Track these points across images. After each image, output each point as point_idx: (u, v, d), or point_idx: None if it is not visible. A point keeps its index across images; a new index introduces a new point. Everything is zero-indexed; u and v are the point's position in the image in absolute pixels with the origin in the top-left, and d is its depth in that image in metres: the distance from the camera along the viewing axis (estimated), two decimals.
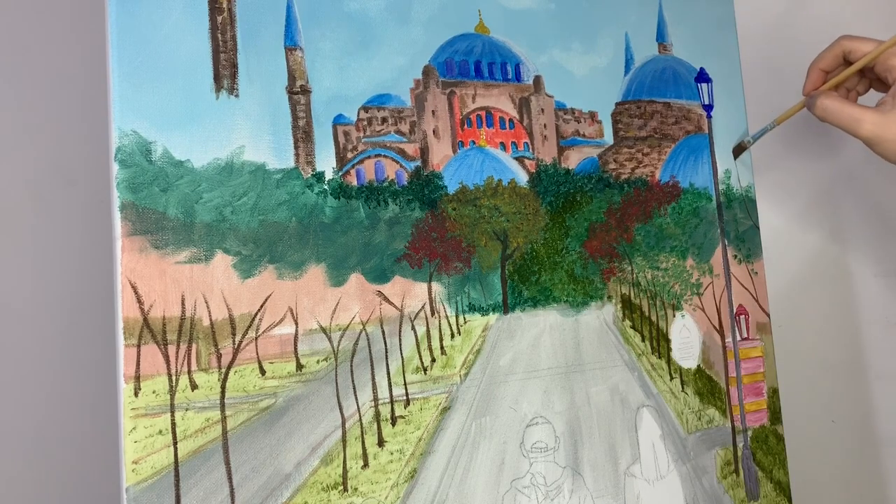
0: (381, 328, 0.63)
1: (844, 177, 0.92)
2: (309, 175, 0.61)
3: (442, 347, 0.65)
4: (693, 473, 0.74)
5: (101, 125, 0.56)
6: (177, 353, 0.55)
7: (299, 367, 0.59)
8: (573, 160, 0.74)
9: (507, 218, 0.70)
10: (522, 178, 0.71)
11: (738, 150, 0.81)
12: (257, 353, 0.58)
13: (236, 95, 0.59)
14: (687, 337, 0.77)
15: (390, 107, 0.66)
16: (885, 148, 0.64)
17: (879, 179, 0.92)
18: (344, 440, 0.60)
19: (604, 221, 0.74)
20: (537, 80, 0.73)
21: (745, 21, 0.85)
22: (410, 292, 0.64)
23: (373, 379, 0.62)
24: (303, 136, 0.62)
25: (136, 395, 0.53)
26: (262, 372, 0.58)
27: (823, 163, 0.92)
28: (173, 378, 0.54)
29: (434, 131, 0.68)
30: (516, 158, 0.72)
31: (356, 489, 0.59)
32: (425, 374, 0.64)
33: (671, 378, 0.75)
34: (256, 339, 0.58)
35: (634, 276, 0.75)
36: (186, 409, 0.54)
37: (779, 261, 0.87)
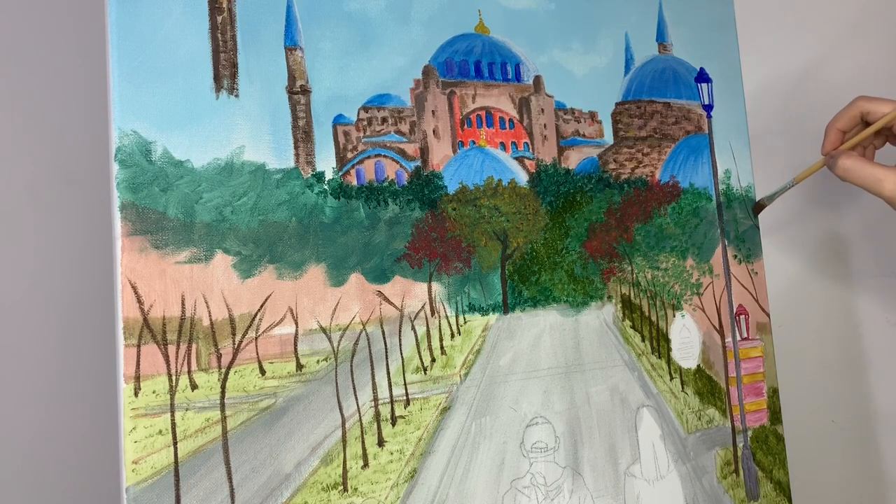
0: (381, 328, 0.63)
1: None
2: (309, 175, 0.61)
3: (442, 347, 0.65)
4: (693, 473, 0.74)
5: (101, 125, 0.56)
6: (177, 353, 0.55)
7: (299, 367, 0.59)
8: (573, 160, 0.74)
9: (507, 218, 0.70)
10: (522, 178, 0.71)
11: (758, 208, 0.82)
12: (257, 353, 0.58)
13: (236, 95, 0.59)
14: (687, 337, 0.77)
15: (390, 107, 0.66)
16: None
17: None
18: (344, 440, 0.60)
19: (604, 221, 0.74)
20: (537, 80, 0.73)
21: (745, 21, 0.85)
22: (410, 292, 0.64)
23: (373, 379, 0.62)
24: (303, 136, 0.62)
25: (136, 395, 0.53)
26: (262, 372, 0.58)
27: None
28: (173, 378, 0.54)
29: (434, 131, 0.68)
30: (516, 158, 0.72)
31: (356, 489, 0.59)
32: (425, 374, 0.64)
33: (671, 378, 0.75)
34: (256, 339, 0.58)
35: (634, 276, 0.75)
36: (186, 409, 0.54)
37: (779, 261, 0.87)
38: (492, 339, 0.68)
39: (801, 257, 0.90)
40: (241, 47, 0.60)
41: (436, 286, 0.66)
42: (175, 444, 0.54)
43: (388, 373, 0.62)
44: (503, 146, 0.71)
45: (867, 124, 0.71)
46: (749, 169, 0.83)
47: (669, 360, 0.76)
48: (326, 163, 0.62)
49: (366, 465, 0.60)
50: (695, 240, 0.79)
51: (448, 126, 0.69)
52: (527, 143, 0.72)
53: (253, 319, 0.58)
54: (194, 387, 0.55)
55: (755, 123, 0.85)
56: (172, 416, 0.54)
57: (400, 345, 0.63)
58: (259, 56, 0.60)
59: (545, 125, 0.73)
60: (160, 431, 0.53)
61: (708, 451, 0.76)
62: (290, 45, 0.62)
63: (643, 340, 0.75)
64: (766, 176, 0.87)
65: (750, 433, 0.79)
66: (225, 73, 0.59)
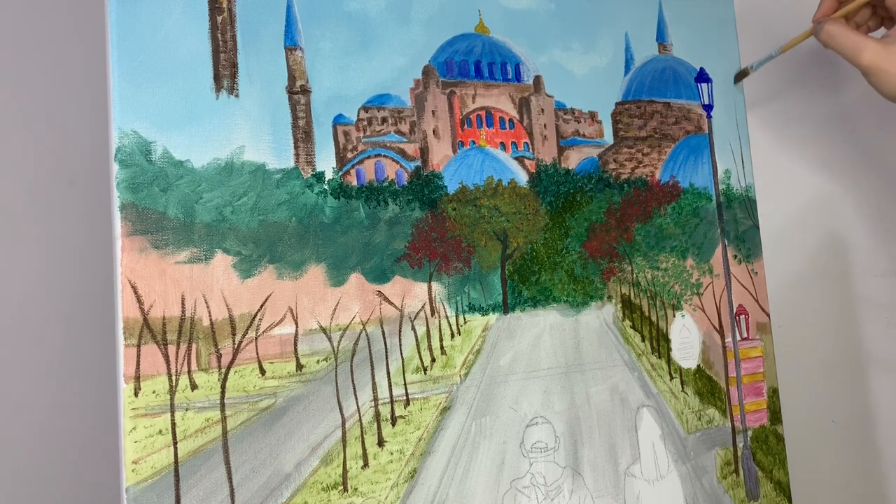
0: (381, 328, 0.63)
1: (845, 177, 0.92)
2: (309, 175, 0.61)
3: (442, 347, 0.65)
4: (693, 473, 0.74)
5: (101, 125, 0.56)
6: (177, 353, 0.55)
7: (299, 367, 0.59)
8: (573, 160, 0.74)
9: (507, 218, 0.70)
10: (522, 178, 0.71)
11: (741, 75, 0.81)
12: (257, 353, 0.58)
13: (236, 95, 0.59)
14: (687, 337, 0.77)
15: (390, 107, 0.66)
16: (880, 79, 0.64)
17: (880, 180, 0.92)
18: (344, 440, 0.60)
19: (604, 221, 0.74)
20: (537, 80, 0.73)
21: (745, 21, 0.85)
22: (410, 292, 0.64)
23: (373, 379, 0.62)
24: (303, 136, 0.62)
25: (136, 395, 0.53)
26: (262, 372, 0.58)
27: (824, 163, 0.92)
28: (173, 378, 0.54)
29: (434, 131, 0.68)
30: (516, 158, 0.72)
31: (356, 489, 0.59)
32: (425, 374, 0.64)
33: (671, 378, 0.75)
34: (256, 339, 0.58)
35: (634, 276, 0.75)
36: (186, 409, 0.54)
37: (779, 261, 0.87)
38: (492, 339, 0.68)
39: (801, 257, 0.90)
40: (241, 47, 0.60)
41: (436, 286, 0.66)
42: (175, 444, 0.54)
43: (388, 373, 0.62)
44: (503, 146, 0.71)
45: None
46: (749, 169, 0.83)
47: (669, 360, 0.76)
48: (326, 163, 0.62)
49: (366, 465, 0.60)
50: (695, 240, 0.79)
51: (448, 126, 0.69)
52: (527, 143, 0.72)
53: (253, 319, 0.58)
54: (194, 387, 0.55)
55: (756, 121, 0.85)
56: (172, 416, 0.54)
57: (400, 345, 0.63)
58: (259, 56, 0.60)
59: (545, 125, 0.73)
60: (160, 431, 0.53)
61: (708, 451, 0.76)
62: (290, 45, 0.62)
63: (643, 340, 0.75)
64: (766, 174, 0.87)
65: (750, 433, 0.79)
66: (225, 73, 0.59)
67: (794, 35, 0.76)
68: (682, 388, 0.76)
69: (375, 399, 0.62)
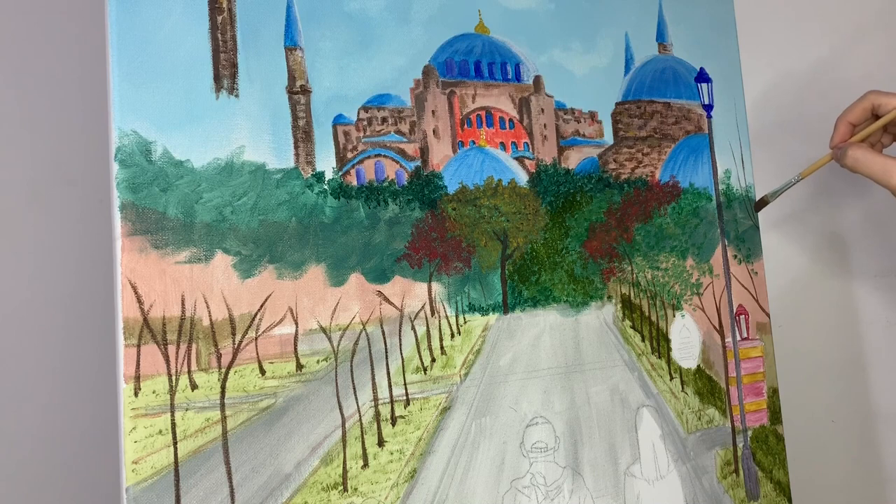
0: (381, 328, 0.63)
1: (845, 177, 0.92)
2: (309, 175, 0.61)
3: (442, 347, 0.65)
4: (693, 473, 0.74)
5: (101, 125, 0.56)
6: (177, 353, 0.55)
7: (299, 367, 0.59)
8: (573, 160, 0.74)
9: (507, 218, 0.70)
10: (522, 178, 0.71)
11: (760, 204, 0.82)
12: (257, 353, 0.58)
13: (236, 95, 0.59)
14: (687, 337, 0.77)
15: (390, 107, 0.66)
16: None
17: None
18: (344, 440, 0.60)
19: (604, 221, 0.74)
20: (537, 80, 0.73)
21: (745, 21, 0.85)
22: (410, 292, 0.64)
23: (373, 379, 0.62)
24: (303, 136, 0.62)
25: (136, 395, 0.53)
26: (262, 372, 0.58)
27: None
28: (173, 378, 0.54)
29: (434, 131, 0.68)
30: (516, 158, 0.72)
31: (356, 489, 0.59)
32: (425, 374, 0.64)
33: (671, 378, 0.75)
34: (256, 339, 0.58)
35: (634, 276, 0.75)
36: (186, 409, 0.54)
37: (779, 261, 0.87)
38: (492, 339, 0.68)
39: (801, 257, 0.90)
40: (241, 47, 0.60)
41: (436, 286, 0.66)
42: (175, 444, 0.54)
43: (388, 373, 0.62)
44: (503, 146, 0.71)
45: (878, 119, 0.71)
46: (749, 169, 0.83)
47: (669, 360, 0.76)
48: (326, 163, 0.62)
49: (366, 465, 0.60)
50: (695, 240, 0.79)
51: (448, 126, 0.69)
52: (527, 143, 0.72)
53: (253, 319, 0.58)
54: (194, 387, 0.55)
55: (756, 121, 0.85)
56: (172, 416, 0.54)
57: (400, 345, 0.63)
58: (259, 56, 0.60)
59: (545, 125, 0.73)
60: (160, 431, 0.53)
61: (708, 451, 0.76)
62: (290, 45, 0.62)
63: (643, 340, 0.75)
64: (766, 175, 0.87)
65: (750, 433, 0.79)
66: (225, 73, 0.59)
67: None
68: (682, 388, 0.76)
69: (375, 399, 0.62)
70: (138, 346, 0.53)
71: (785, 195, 0.90)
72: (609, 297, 0.74)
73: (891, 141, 0.75)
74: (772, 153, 0.89)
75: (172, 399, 0.54)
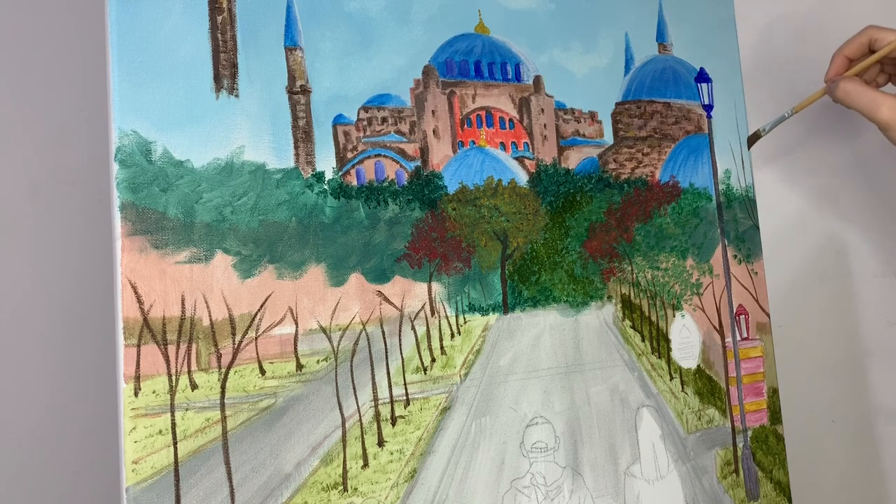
0: (381, 328, 0.63)
1: (845, 177, 0.92)
2: (309, 175, 0.61)
3: (442, 347, 0.65)
4: (693, 473, 0.74)
5: (101, 125, 0.56)
6: (177, 353, 0.55)
7: (299, 367, 0.59)
8: (573, 160, 0.74)
9: (507, 218, 0.70)
10: (522, 178, 0.71)
11: (753, 138, 0.81)
12: (257, 353, 0.58)
13: (236, 95, 0.59)
14: (687, 337, 0.77)
15: (390, 107, 0.66)
16: None
17: (880, 179, 0.92)
18: (344, 440, 0.60)
19: (604, 221, 0.74)
20: (537, 80, 0.73)
21: (745, 21, 0.85)
22: (410, 292, 0.64)
23: (373, 379, 0.62)
24: (303, 136, 0.62)
25: (136, 395, 0.53)
26: (262, 372, 0.58)
27: (824, 163, 0.92)
28: (173, 378, 0.54)
29: (434, 131, 0.68)
30: (516, 158, 0.72)
31: (356, 489, 0.59)
32: (425, 374, 0.64)
33: (671, 378, 0.75)
34: (256, 339, 0.58)
35: (634, 276, 0.75)
36: (186, 409, 0.54)
37: (779, 261, 0.87)
38: (492, 339, 0.68)
39: (801, 257, 0.90)
40: (241, 47, 0.60)
41: (436, 286, 0.66)
42: (175, 444, 0.54)
43: (388, 373, 0.62)
44: (503, 146, 0.71)
45: (875, 53, 0.70)
46: (749, 169, 0.83)
47: (669, 360, 0.76)
48: (326, 163, 0.62)
49: (366, 465, 0.60)
50: (695, 240, 0.79)
51: (448, 126, 0.69)
52: (527, 143, 0.72)
53: (253, 319, 0.58)
54: (194, 387, 0.55)
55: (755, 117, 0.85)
56: (172, 416, 0.54)
57: (400, 345, 0.63)
58: (259, 56, 0.60)
59: (545, 125, 0.73)
60: (160, 431, 0.53)
61: (708, 451, 0.76)
62: (290, 45, 0.62)
63: (643, 340, 0.75)
64: (766, 174, 0.87)
65: (750, 433, 0.79)
66: (225, 73, 0.59)
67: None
68: (682, 388, 0.76)
69: (375, 399, 0.62)
70: (138, 346, 0.53)
71: (784, 196, 0.90)
72: (609, 297, 0.74)
73: (886, 81, 0.74)
74: (772, 153, 0.89)
75: (172, 399, 0.54)
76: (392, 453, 0.61)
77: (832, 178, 0.92)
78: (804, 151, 0.91)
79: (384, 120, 0.66)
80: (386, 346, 0.63)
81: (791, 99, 0.83)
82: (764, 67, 0.88)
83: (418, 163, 0.67)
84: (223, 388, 0.56)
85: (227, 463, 0.55)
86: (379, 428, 0.61)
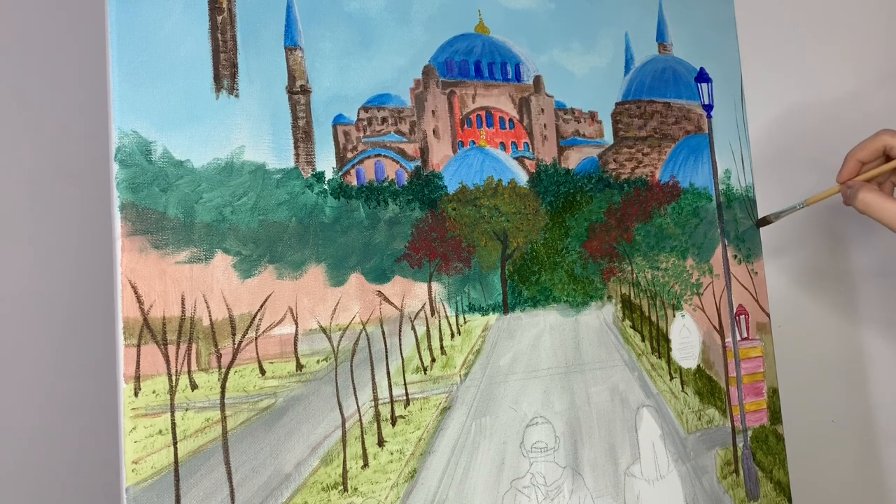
0: (381, 328, 0.63)
1: None
2: (309, 175, 0.61)
3: (442, 347, 0.65)
4: (693, 473, 0.74)
5: (101, 125, 0.56)
6: (177, 353, 0.55)
7: (299, 367, 0.59)
8: (573, 160, 0.74)
9: (507, 218, 0.70)
10: (522, 178, 0.71)
11: (762, 223, 0.82)
12: (257, 353, 0.58)
13: (236, 95, 0.59)
14: (687, 337, 0.77)
15: (390, 107, 0.66)
16: None
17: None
18: (344, 440, 0.60)
19: (604, 221, 0.74)
20: (537, 80, 0.73)
21: (745, 20, 0.85)
22: (410, 292, 0.64)
23: (373, 379, 0.62)
24: (303, 136, 0.62)
25: (136, 395, 0.53)
26: (262, 372, 0.58)
27: (823, 162, 0.92)
28: (173, 378, 0.54)
29: (434, 131, 0.68)
30: (516, 158, 0.72)
31: (356, 489, 0.59)
32: (425, 374, 0.64)
33: (671, 378, 0.75)
34: (256, 339, 0.58)
35: (634, 276, 0.75)
36: (186, 409, 0.54)
37: (779, 261, 0.87)
38: (492, 339, 0.68)
39: (801, 257, 0.90)
40: (241, 47, 0.60)
41: (436, 286, 0.66)
42: (175, 444, 0.54)
43: (388, 373, 0.62)
44: (503, 146, 0.71)
45: (888, 158, 0.71)
46: (749, 169, 0.83)
47: (669, 360, 0.76)
48: (326, 163, 0.62)
49: (366, 465, 0.60)
50: (695, 240, 0.79)
51: (448, 126, 0.69)
52: (527, 143, 0.72)
53: (253, 319, 0.58)
54: (194, 387, 0.55)
55: (756, 121, 0.85)
56: (172, 416, 0.54)
57: (400, 345, 0.63)
58: (259, 56, 0.60)
59: (545, 125, 0.73)
60: (160, 431, 0.53)
61: (708, 451, 0.76)
62: (290, 45, 0.62)
63: (643, 340, 0.75)
64: (766, 174, 0.87)
65: (750, 433, 0.79)
66: (225, 73, 0.59)
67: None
68: (682, 388, 0.76)
69: (375, 399, 0.62)
70: (138, 346, 0.53)
71: (784, 196, 0.90)
72: (609, 297, 0.74)
73: None
74: (773, 153, 0.89)
75: (172, 399, 0.54)
76: (392, 453, 0.61)
77: (832, 178, 0.92)
78: (804, 151, 0.91)
79: (384, 120, 0.66)
80: (386, 346, 0.63)
81: (792, 97, 0.83)
82: (764, 67, 0.88)
83: (418, 163, 0.67)
84: (223, 388, 0.56)
85: (227, 463, 0.55)
86: (379, 428, 0.61)
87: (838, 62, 0.90)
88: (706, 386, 0.77)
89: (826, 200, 0.92)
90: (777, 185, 0.89)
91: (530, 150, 0.72)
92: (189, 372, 0.55)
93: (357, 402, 0.61)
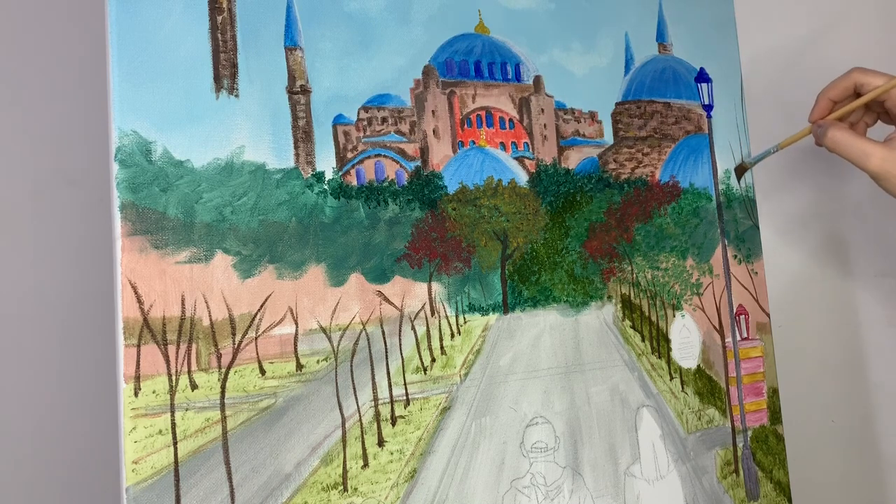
0: (381, 328, 0.63)
1: (845, 176, 0.92)
2: (309, 175, 0.61)
3: (442, 347, 0.65)
4: (693, 473, 0.74)
5: (101, 125, 0.56)
6: (177, 353, 0.55)
7: (299, 367, 0.59)
8: (573, 160, 0.74)
9: (507, 218, 0.70)
10: (522, 178, 0.71)
11: (740, 170, 0.81)
12: (257, 353, 0.58)
13: (236, 95, 0.59)
14: (687, 337, 0.77)
15: (390, 107, 0.66)
16: (890, 184, 0.65)
17: None
18: (344, 440, 0.60)
19: (604, 221, 0.74)
20: (537, 80, 0.73)
21: (745, 20, 0.85)
22: (410, 292, 0.64)
23: (373, 379, 0.62)
24: (303, 136, 0.62)
25: (136, 395, 0.53)
26: (262, 372, 0.58)
27: (824, 162, 0.92)
28: (173, 378, 0.54)
29: (434, 131, 0.68)
30: (516, 158, 0.72)
31: (356, 489, 0.59)
32: (425, 374, 0.64)
33: (671, 378, 0.75)
34: (256, 339, 0.58)
35: (634, 276, 0.75)
36: (186, 409, 0.54)
37: (779, 261, 0.87)
38: (492, 339, 0.68)
39: (801, 257, 0.90)
40: (241, 47, 0.60)
41: (436, 286, 0.66)
42: (175, 444, 0.54)
43: (388, 373, 0.62)
44: (503, 146, 0.71)
45: (859, 97, 0.69)
46: (749, 169, 0.83)
47: (669, 360, 0.76)
48: (326, 163, 0.62)
49: (366, 465, 0.60)
50: (695, 240, 0.79)
51: (448, 126, 0.69)
52: (527, 143, 0.72)
53: (253, 319, 0.58)
54: (194, 387, 0.55)
55: (754, 116, 0.85)
56: (172, 416, 0.54)
57: (400, 345, 0.63)
58: (259, 56, 0.60)
59: (545, 125, 0.73)
60: (160, 431, 0.53)
61: (708, 451, 0.76)
62: (290, 45, 0.62)
63: (643, 340, 0.75)
64: (766, 175, 0.87)
65: (750, 433, 0.79)
66: (225, 73, 0.59)
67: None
68: (682, 388, 0.76)
69: (375, 399, 0.62)
70: (138, 346, 0.53)
71: (784, 196, 0.90)
72: (609, 297, 0.74)
73: (874, 120, 0.73)
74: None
75: (172, 399, 0.54)
76: (392, 453, 0.61)
77: (832, 178, 0.92)
78: (804, 151, 0.91)
79: (384, 120, 0.66)
80: (386, 346, 0.63)
81: (791, 97, 0.83)
82: (764, 67, 0.88)
83: (418, 163, 0.67)
84: (223, 388, 0.56)
85: (227, 463, 0.55)
86: (379, 428, 0.61)
87: (838, 61, 0.90)
88: (706, 386, 0.77)
89: (827, 201, 0.92)
90: (777, 185, 0.89)
91: (530, 150, 0.72)
92: (189, 372, 0.55)
93: (357, 402, 0.61)
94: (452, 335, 0.66)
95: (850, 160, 0.67)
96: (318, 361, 0.60)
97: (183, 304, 0.55)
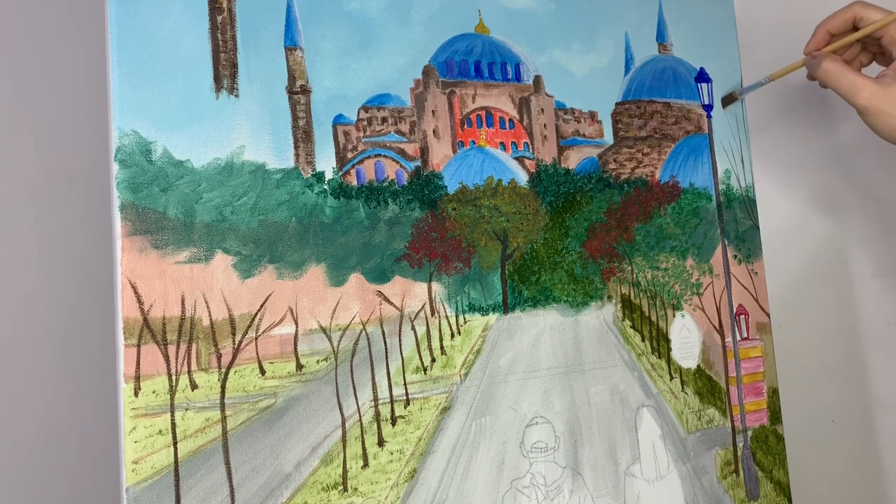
0: (381, 328, 0.63)
1: (845, 177, 0.92)
2: (309, 175, 0.61)
3: (442, 347, 0.65)
4: (693, 473, 0.74)
5: (101, 125, 0.56)
6: (177, 353, 0.55)
7: (299, 367, 0.59)
8: (573, 160, 0.74)
9: (507, 218, 0.70)
10: (522, 178, 0.71)
11: (728, 100, 0.80)
12: (257, 353, 0.58)
13: (236, 95, 0.59)
14: (687, 337, 0.77)
15: (390, 107, 0.66)
16: (877, 120, 0.64)
17: (880, 179, 0.92)
18: (344, 440, 0.60)
19: (604, 221, 0.74)
20: (537, 80, 0.73)
21: (745, 21, 0.85)
22: (410, 292, 0.64)
23: (373, 379, 0.62)
24: (303, 136, 0.62)
25: (136, 395, 0.53)
26: (262, 372, 0.58)
27: (824, 163, 0.92)
28: (173, 378, 0.54)
29: (434, 131, 0.68)
30: (516, 158, 0.72)
31: (356, 489, 0.59)
32: (425, 374, 0.64)
33: (671, 378, 0.75)
34: (256, 339, 0.58)
35: (634, 276, 0.75)
36: (186, 409, 0.54)
37: (779, 261, 0.87)
38: (492, 339, 0.68)
39: (801, 257, 0.90)
40: (241, 47, 0.60)
41: (436, 286, 0.66)
42: (175, 444, 0.54)
43: (388, 373, 0.62)
44: (503, 146, 0.71)
45: (857, 31, 0.68)
46: (749, 169, 0.83)
47: (669, 360, 0.76)
48: (326, 163, 0.62)
49: (366, 465, 0.60)
50: (695, 240, 0.79)
51: (448, 126, 0.69)
52: (527, 143, 0.72)
53: (253, 319, 0.58)
54: (194, 387, 0.55)
55: (755, 118, 0.85)
56: (172, 416, 0.54)
57: (400, 345, 0.63)
58: (259, 56, 0.60)
59: (545, 125, 0.73)
60: (160, 431, 0.53)
61: (708, 451, 0.76)
62: (290, 45, 0.62)
63: (643, 340, 0.75)
64: (766, 174, 0.87)
65: (750, 433, 0.79)
66: (225, 73, 0.59)
67: (789, 53, 0.75)
68: (682, 388, 0.76)
69: (375, 399, 0.62)
70: (138, 346, 0.53)
71: (784, 196, 0.90)
72: (609, 297, 0.74)
73: (869, 60, 0.72)
74: (772, 153, 0.89)
75: (172, 399, 0.54)
76: (392, 453, 0.61)
77: (832, 178, 0.92)
78: (804, 151, 0.91)
79: (384, 120, 0.66)
80: (386, 346, 0.63)
81: (791, 98, 0.83)
82: (763, 66, 0.87)
83: (418, 163, 0.67)
84: (223, 388, 0.56)
85: (227, 463, 0.55)
86: (379, 428, 0.61)
87: None
88: (706, 386, 0.77)
89: (827, 201, 0.92)
90: (777, 184, 0.89)
91: (530, 150, 0.72)
92: (189, 372, 0.55)
93: (357, 402, 0.61)
94: (452, 335, 0.66)
95: (840, 92, 0.66)
96: (318, 361, 0.60)
97: (183, 304, 0.55)
